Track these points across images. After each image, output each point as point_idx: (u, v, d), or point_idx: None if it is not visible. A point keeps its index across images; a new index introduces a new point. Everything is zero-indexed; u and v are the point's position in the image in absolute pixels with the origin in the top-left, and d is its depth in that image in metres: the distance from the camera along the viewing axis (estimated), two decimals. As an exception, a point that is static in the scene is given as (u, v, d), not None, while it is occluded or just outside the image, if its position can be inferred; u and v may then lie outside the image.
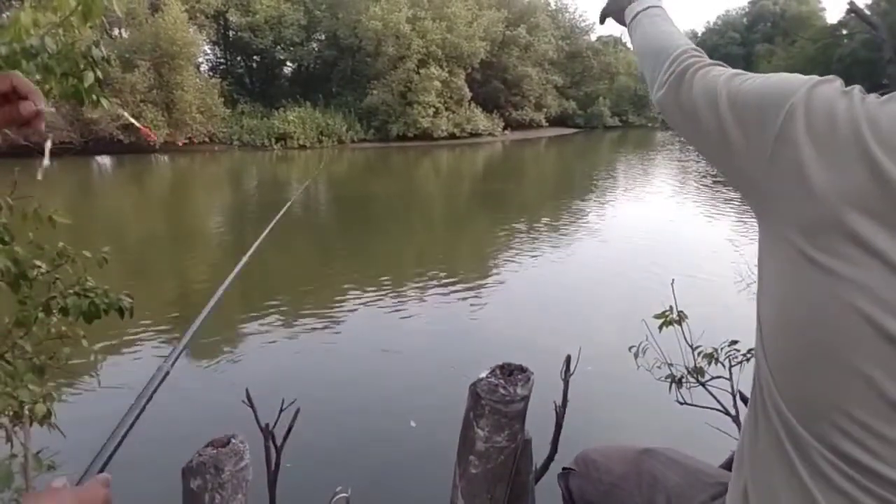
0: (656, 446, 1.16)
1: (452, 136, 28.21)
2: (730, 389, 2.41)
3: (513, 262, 9.12)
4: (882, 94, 0.69)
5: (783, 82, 0.70)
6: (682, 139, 0.86)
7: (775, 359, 0.68)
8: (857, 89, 0.67)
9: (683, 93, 0.82)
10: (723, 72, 0.81)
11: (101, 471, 0.67)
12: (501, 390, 1.30)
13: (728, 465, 1.57)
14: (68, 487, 0.62)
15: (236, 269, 0.76)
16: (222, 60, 31.07)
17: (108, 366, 5.09)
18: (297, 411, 1.68)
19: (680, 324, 2.49)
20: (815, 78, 0.69)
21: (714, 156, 0.78)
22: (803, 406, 0.65)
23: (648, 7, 1.07)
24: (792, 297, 0.65)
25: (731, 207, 13.26)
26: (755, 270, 0.80)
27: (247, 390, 1.68)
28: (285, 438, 1.67)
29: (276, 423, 1.66)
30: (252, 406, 1.65)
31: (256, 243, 0.75)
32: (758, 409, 0.73)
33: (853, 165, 0.61)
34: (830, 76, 0.70)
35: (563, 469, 1.27)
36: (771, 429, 0.69)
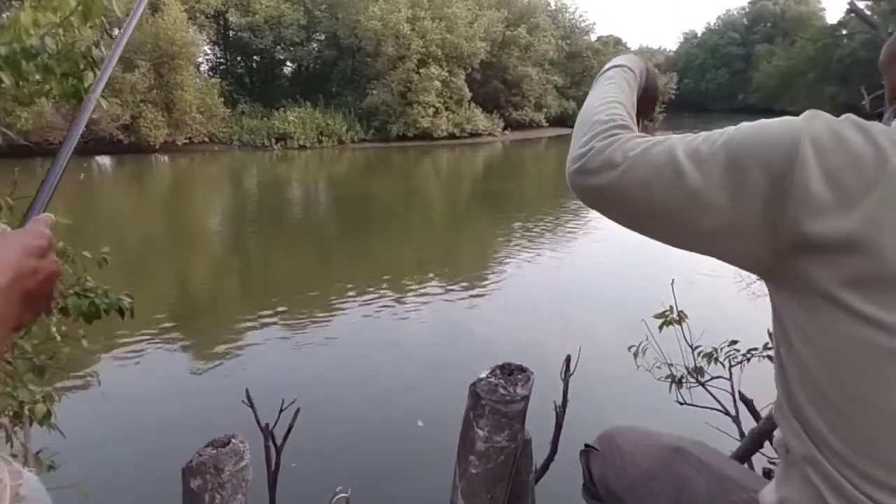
0: (688, 443, 1.11)
1: (452, 136, 28.20)
2: (729, 389, 2.41)
3: (512, 262, 9.13)
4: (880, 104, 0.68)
5: (772, 131, 0.65)
6: (611, 218, 0.75)
7: (818, 420, 0.64)
8: (851, 117, 0.63)
9: (623, 174, 0.71)
10: (660, 139, 0.71)
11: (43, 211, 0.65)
12: (501, 390, 1.30)
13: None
14: (9, 230, 0.59)
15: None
16: (222, 60, 31.05)
17: (109, 365, 5.09)
18: (298, 411, 1.68)
19: (680, 324, 2.49)
20: (801, 119, 0.65)
21: (683, 232, 0.70)
22: (850, 461, 0.62)
23: (608, 69, 0.99)
24: (838, 356, 0.61)
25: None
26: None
27: (247, 390, 1.68)
28: (285, 438, 1.67)
29: (276, 423, 1.66)
30: (252, 406, 1.65)
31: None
32: (789, 464, 0.69)
33: (888, 200, 0.58)
34: (813, 111, 0.66)
35: (586, 446, 1.22)
36: (809, 483, 0.66)
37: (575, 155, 0.78)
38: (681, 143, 0.69)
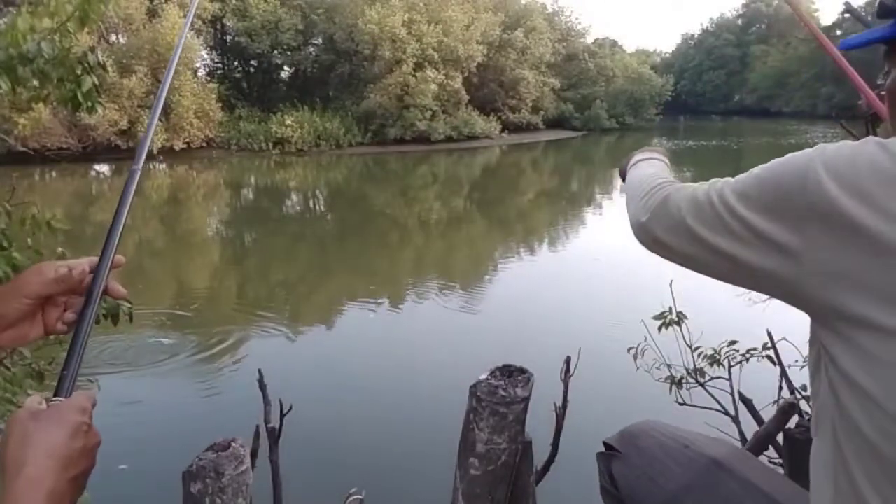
0: (725, 451, 1.03)
1: (450, 139, 28.21)
2: (728, 389, 2.41)
3: (512, 263, 9.13)
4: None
5: (789, 161, 0.67)
6: (677, 263, 0.83)
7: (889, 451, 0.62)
8: (873, 140, 0.64)
9: (669, 215, 0.79)
10: (699, 185, 0.78)
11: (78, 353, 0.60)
12: (501, 392, 1.30)
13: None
14: (46, 409, 0.53)
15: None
16: (219, 65, 31.04)
17: (108, 370, 5.07)
18: (290, 409, 1.69)
19: (679, 325, 2.50)
20: (810, 150, 0.67)
21: (723, 267, 0.73)
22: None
23: (649, 157, 1.09)
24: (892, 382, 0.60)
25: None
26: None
27: (259, 371, 1.71)
28: (278, 437, 1.67)
29: (280, 427, 1.66)
30: (264, 391, 1.66)
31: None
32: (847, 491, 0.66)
33: None
34: (822, 145, 0.67)
35: (606, 447, 1.14)
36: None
37: (641, 207, 0.86)
38: (711, 187, 0.74)
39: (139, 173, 0.76)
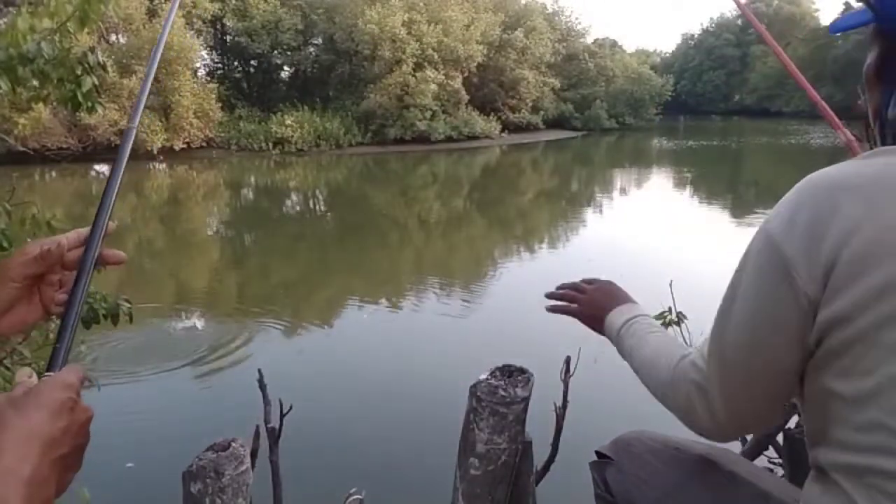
0: (713, 451, 1.05)
1: (450, 139, 28.20)
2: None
3: (512, 263, 9.14)
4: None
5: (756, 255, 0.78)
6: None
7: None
8: (813, 180, 0.73)
9: (716, 397, 0.84)
10: (695, 363, 0.87)
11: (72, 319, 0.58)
12: (501, 392, 1.30)
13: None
14: (33, 387, 0.51)
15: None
16: (219, 65, 31.04)
17: (107, 370, 5.08)
18: (290, 409, 1.69)
19: (679, 325, 2.49)
20: (760, 228, 0.77)
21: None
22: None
23: (627, 321, 1.10)
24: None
25: (726, 212, 13.31)
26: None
27: (259, 371, 1.70)
28: (278, 437, 1.67)
29: (280, 427, 1.66)
30: (264, 391, 1.66)
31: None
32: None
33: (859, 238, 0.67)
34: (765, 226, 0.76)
35: (598, 455, 1.16)
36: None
37: (699, 410, 0.91)
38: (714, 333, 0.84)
39: (134, 132, 0.76)
